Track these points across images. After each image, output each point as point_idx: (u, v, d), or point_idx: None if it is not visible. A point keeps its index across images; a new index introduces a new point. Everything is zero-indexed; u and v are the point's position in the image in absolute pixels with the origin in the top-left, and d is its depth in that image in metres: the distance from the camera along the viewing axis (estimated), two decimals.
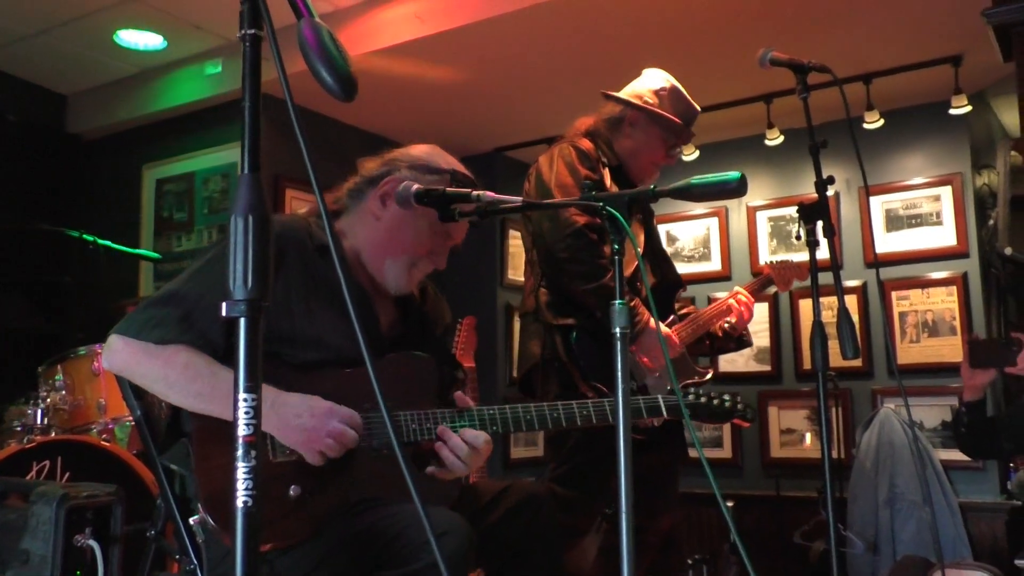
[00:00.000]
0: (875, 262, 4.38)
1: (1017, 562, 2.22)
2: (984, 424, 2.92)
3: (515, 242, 5.15)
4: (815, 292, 2.04)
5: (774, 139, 4.39)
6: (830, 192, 2.06)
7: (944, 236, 4.30)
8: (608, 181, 2.67)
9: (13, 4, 3.83)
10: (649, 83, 2.79)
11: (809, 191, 2.10)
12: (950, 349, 4.15)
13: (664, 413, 2.01)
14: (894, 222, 4.43)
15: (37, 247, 4.36)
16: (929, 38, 3.76)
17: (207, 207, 4.47)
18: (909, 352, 4.28)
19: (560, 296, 2.63)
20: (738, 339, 2.94)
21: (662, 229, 4.97)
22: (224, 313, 0.93)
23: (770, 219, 4.77)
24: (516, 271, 5.10)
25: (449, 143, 5.62)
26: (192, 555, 1.67)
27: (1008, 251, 4.35)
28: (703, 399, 2.07)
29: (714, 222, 4.92)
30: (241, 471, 0.90)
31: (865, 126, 4.16)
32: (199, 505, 1.59)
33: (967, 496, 3.89)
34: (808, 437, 4.51)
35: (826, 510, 1.93)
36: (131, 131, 4.73)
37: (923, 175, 4.39)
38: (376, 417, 1.71)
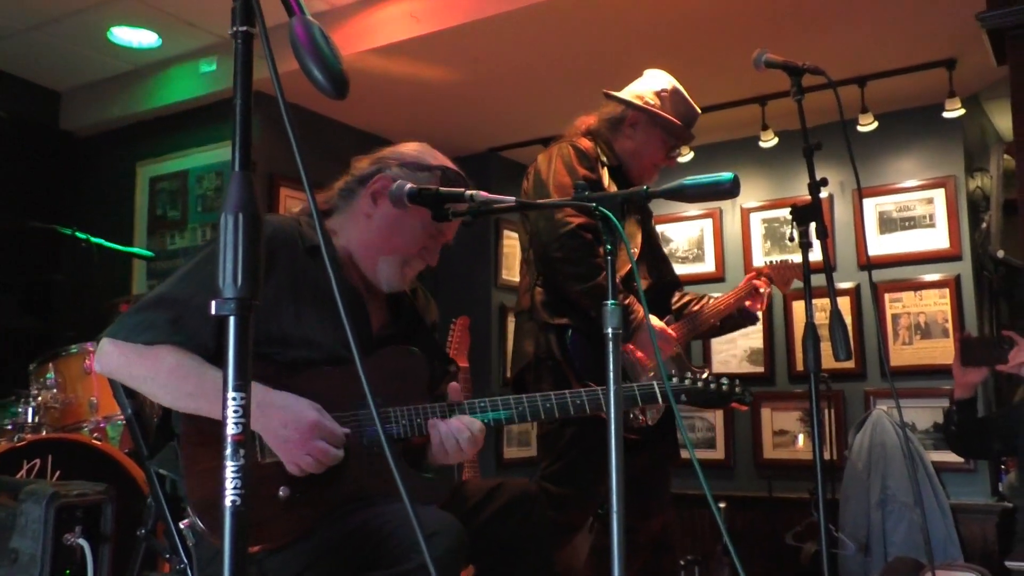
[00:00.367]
0: (868, 264, 4.39)
1: (1007, 563, 2.22)
2: (975, 423, 2.93)
3: (509, 243, 5.15)
4: (808, 294, 2.04)
5: (768, 141, 4.40)
6: (824, 194, 2.06)
7: (937, 239, 4.30)
8: (607, 181, 2.67)
9: (5, 0, 3.82)
10: (651, 84, 2.78)
11: (803, 193, 2.10)
12: (942, 351, 4.16)
13: (659, 399, 1.97)
14: (887, 224, 4.44)
15: (29, 245, 4.35)
16: (923, 41, 3.77)
17: (201, 205, 4.46)
18: (902, 354, 4.29)
19: (555, 296, 2.63)
20: (747, 315, 2.94)
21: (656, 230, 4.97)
22: (213, 311, 0.93)
23: (764, 221, 4.77)
24: (510, 272, 5.10)
25: (444, 143, 5.63)
26: (182, 554, 1.67)
27: (1001, 254, 4.36)
28: (699, 383, 2.01)
29: (708, 223, 4.93)
30: (229, 470, 0.90)
31: (859, 128, 4.17)
32: (188, 508, 1.59)
33: (958, 498, 3.90)
34: (801, 438, 4.51)
35: (818, 511, 1.93)
36: (125, 128, 4.71)
37: (917, 178, 4.40)
38: (366, 415, 1.71)
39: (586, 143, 2.71)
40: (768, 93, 4.21)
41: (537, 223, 2.60)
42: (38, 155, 4.70)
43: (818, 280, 2.05)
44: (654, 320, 2.63)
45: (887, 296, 4.36)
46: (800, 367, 4.47)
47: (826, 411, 4.25)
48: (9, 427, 2.87)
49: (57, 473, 2.69)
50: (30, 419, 2.88)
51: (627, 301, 2.52)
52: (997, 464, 4.05)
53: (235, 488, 0.89)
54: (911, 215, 4.39)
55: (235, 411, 0.91)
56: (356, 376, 1.71)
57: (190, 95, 4.34)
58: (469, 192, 1.65)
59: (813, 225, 2.06)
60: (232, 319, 0.92)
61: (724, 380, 2.03)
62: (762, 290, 2.88)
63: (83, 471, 2.70)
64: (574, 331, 2.59)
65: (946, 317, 4.22)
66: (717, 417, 4.75)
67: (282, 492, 1.61)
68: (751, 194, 4.80)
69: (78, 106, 4.77)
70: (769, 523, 4.18)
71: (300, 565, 1.60)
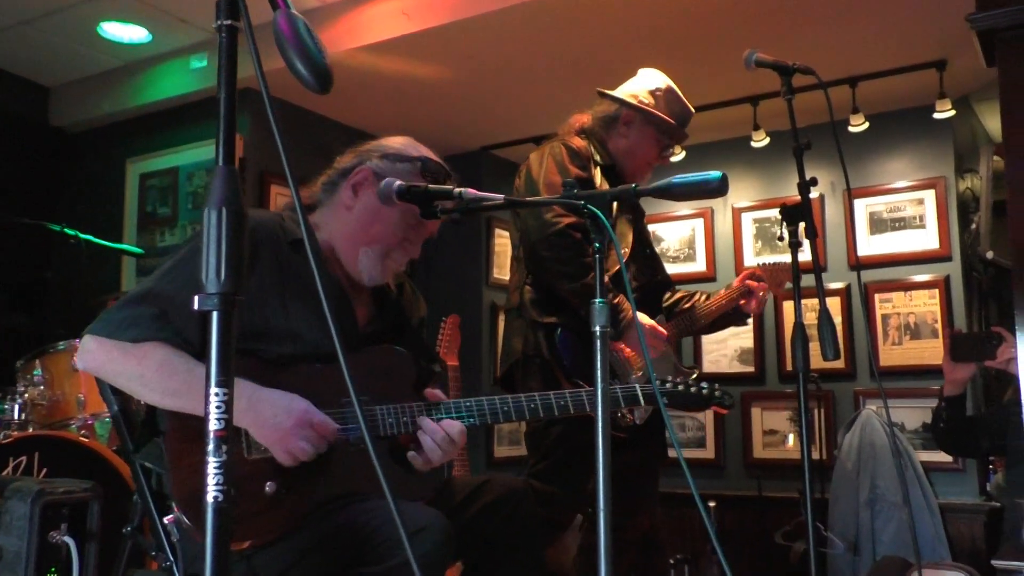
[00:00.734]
0: (858, 265, 4.40)
1: (994, 562, 2.23)
2: (963, 421, 2.94)
3: (500, 241, 5.15)
4: (797, 293, 2.05)
5: (760, 141, 4.40)
6: (814, 194, 2.07)
7: (927, 239, 4.32)
8: (599, 180, 2.67)
9: None
10: (645, 83, 2.78)
11: (794, 193, 2.10)
12: (932, 351, 4.18)
13: (641, 401, 2.00)
14: (878, 225, 4.45)
15: (18, 242, 4.32)
16: (914, 42, 3.79)
17: (191, 202, 4.44)
18: (891, 354, 4.30)
19: (544, 294, 2.63)
20: (740, 314, 2.95)
21: (648, 230, 4.98)
22: (196, 307, 0.92)
23: (755, 221, 4.78)
24: (501, 270, 5.10)
25: (436, 141, 5.60)
26: (169, 552, 1.66)
27: (990, 255, 4.38)
28: (680, 387, 2.06)
29: (699, 223, 4.94)
30: (212, 466, 0.89)
31: (850, 129, 4.18)
32: (173, 504, 1.58)
33: (947, 497, 3.91)
34: (791, 438, 4.52)
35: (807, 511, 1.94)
36: (115, 125, 4.69)
37: (907, 179, 4.41)
38: (352, 412, 1.71)
39: (579, 142, 2.71)
40: (760, 93, 4.22)
41: (527, 221, 2.60)
42: (27, 151, 4.67)
43: (808, 280, 2.05)
44: (645, 318, 2.63)
45: (877, 296, 4.38)
46: (790, 367, 4.47)
47: (816, 411, 4.26)
48: None
49: (44, 471, 2.67)
50: (17, 416, 2.86)
51: (616, 300, 2.52)
52: (985, 464, 4.07)
53: (217, 484, 0.89)
54: (901, 216, 4.40)
55: (218, 407, 0.91)
56: (342, 373, 1.71)
57: (181, 91, 4.33)
58: (458, 190, 1.65)
59: (802, 225, 2.06)
60: (215, 314, 0.92)
61: (705, 385, 2.07)
62: (761, 294, 2.88)
63: (70, 468, 2.68)
64: (563, 329, 2.59)
65: (935, 317, 4.24)
66: (707, 417, 4.76)
67: (269, 488, 1.61)
68: (742, 194, 4.81)
69: (68, 102, 4.75)
70: (759, 522, 4.19)
71: (288, 561, 1.60)
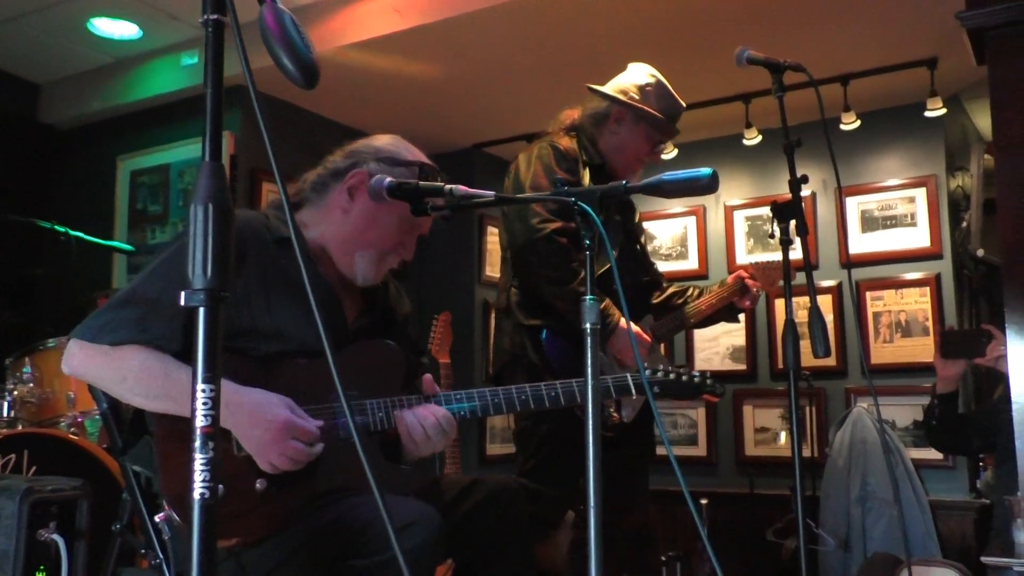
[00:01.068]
0: (849, 262, 4.41)
1: (983, 559, 2.24)
2: (955, 419, 2.95)
3: (493, 239, 5.14)
4: (788, 291, 2.05)
5: (752, 139, 4.41)
6: (806, 192, 2.07)
7: (918, 237, 4.33)
8: (587, 181, 2.67)
9: None
10: (634, 78, 2.77)
11: (786, 191, 2.10)
12: (923, 349, 4.19)
13: (632, 391, 2.02)
14: (869, 223, 4.46)
15: (8, 238, 4.29)
16: (905, 41, 3.79)
17: (182, 199, 4.42)
18: (882, 352, 4.32)
19: (529, 297, 2.65)
20: (733, 311, 2.96)
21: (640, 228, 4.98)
22: (182, 302, 0.92)
23: (747, 218, 4.79)
24: (494, 268, 5.10)
25: (428, 138, 5.62)
26: (158, 549, 1.65)
27: (980, 253, 4.40)
28: (671, 376, 2.08)
29: (691, 221, 4.94)
30: (198, 463, 0.89)
31: (842, 127, 4.18)
32: (163, 503, 1.58)
33: (937, 494, 3.93)
34: (782, 436, 4.54)
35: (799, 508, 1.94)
36: (105, 122, 4.67)
37: (898, 177, 4.42)
38: (342, 407, 1.71)
39: (567, 142, 2.71)
40: (752, 91, 4.22)
41: (512, 226, 2.61)
42: (17, 148, 4.64)
43: (800, 278, 2.05)
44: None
45: (868, 294, 4.39)
46: (782, 365, 4.48)
47: (807, 408, 4.27)
48: None
49: (33, 468, 2.66)
50: (5, 413, 2.85)
51: (603, 305, 2.53)
52: (975, 461, 4.09)
53: (204, 481, 0.88)
54: (893, 214, 4.41)
55: (204, 403, 0.91)
56: (330, 369, 1.71)
57: (171, 88, 4.31)
58: (448, 187, 1.65)
59: (793, 222, 2.07)
60: (201, 310, 0.91)
61: (696, 373, 2.11)
62: (755, 290, 2.89)
63: (60, 466, 2.66)
64: (549, 331, 2.60)
65: (927, 315, 4.25)
66: (699, 414, 4.77)
67: (259, 485, 1.61)
68: (734, 192, 4.82)
69: (58, 98, 4.73)
70: (751, 520, 4.20)
71: (279, 557, 1.60)
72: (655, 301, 2.93)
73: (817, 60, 3.30)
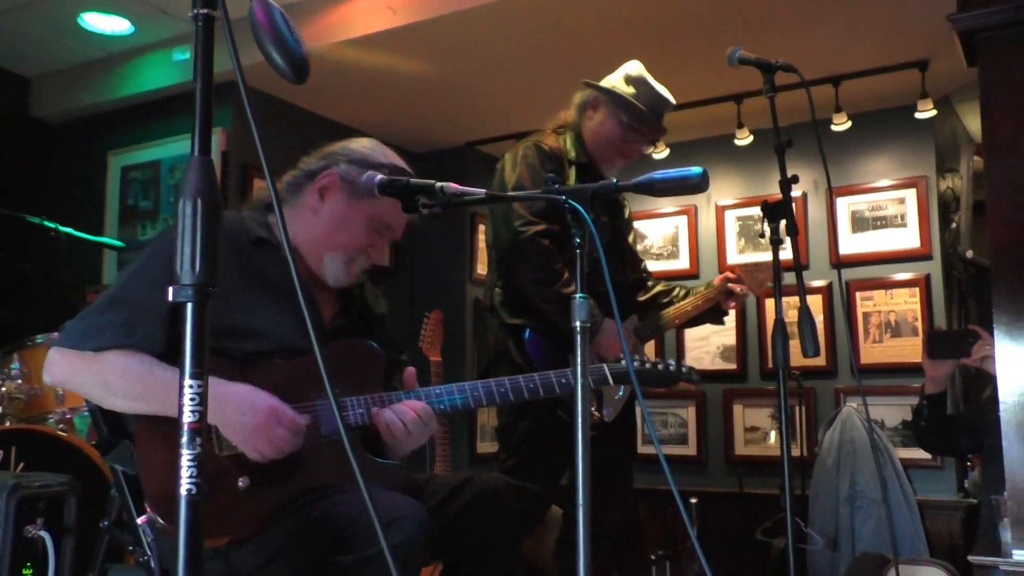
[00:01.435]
0: (839, 263, 4.42)
1: (970, 558, 2.25)
2: (943, 419, 2.96)
3: (484, 237, 5.13)
4: (778, 290, 2.06)
5: (744, 139, 4.42)
6: (797, 192, 2.08)
7: (908, 238, 4.35)
8: (573, 180, 2.69)
9: None
10: (622, 72, 2.81)
11: (777, 191, 2.11)
12: (912, 349, 4.21)
13: (610, 380, 2.05)
14: (859, 223, 4.48)
15: None
16: (896, 42, 3.81)
17: (173, 195, 4.41)
18: (872, 352, 4.33)
19: (513, 297, 2.68)
20: (718, 313, 2.97)
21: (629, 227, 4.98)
22: (170, 298, 0.91)
23: (738, 218, 4.79)
24: (485, 266, 5.06)
25: (421, 136, 5.61)
26: (146, 547, 1.65)
27: (970, 254, 4.42)
28: (648, 365, 2.14)
29: (683, 220, 4.95)
30: (185, 458, 0.88)
31: (833, 128, 4.20)
32: (146, 503, 1.57)
33: (925, 494, 3.94)
34: (772, 435, 4.55)
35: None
36: (96, 116, 4.65)
37: (889, 178, 4.44)
38: (323, 405, 1.72)
39: (552, 141, 2.74)
40: (744, 91, 4.23)
41: (497, 227, 2.65)
42: (7, 142, 4.62)
43: (790, 277, 2.06)
44: (610, 323, 2.64)
45: (858, 294, 4.40)
46: (772, 364, 4.50)
47: (797, 408, 4.29)
48: None
49: (21, 464, 2.65)
50: None
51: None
52: (963, 461, 4.10)
53: (191, 477, 0.88)
54: (883, 214, 4.43)
55: (191, 399, 0.90)
56: (310, 367, 1.72)
57: (163, 84, 4.29)
58: (439, 184, 1.65)
59: (784, 222, 2.07)
60: (189, 305, 0.91)
61: (671, 362, 2.18)
62: (738, 291, 2.90)
63: (48, 463, 2.65)
64: (531, 330, 2.62)
65: (916, 316, 4.27)
66: (689, 414, 4.77)
67: (242, 483, 1.60)
68: (726, 191, 4.82)
69: (49, 93, 4.70)
70: (740, 519, 4.21)
71: (266, 556, 1.60)
72: (641, 299, 2.95)
73: (808, 61, 3.31)
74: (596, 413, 2.58)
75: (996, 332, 2.15)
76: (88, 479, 2.30)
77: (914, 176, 4.37)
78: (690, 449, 4.75)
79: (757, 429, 4.60)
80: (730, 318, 4.62)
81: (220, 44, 0.97)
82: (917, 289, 4.28)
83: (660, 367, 2.16)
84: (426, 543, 1.58)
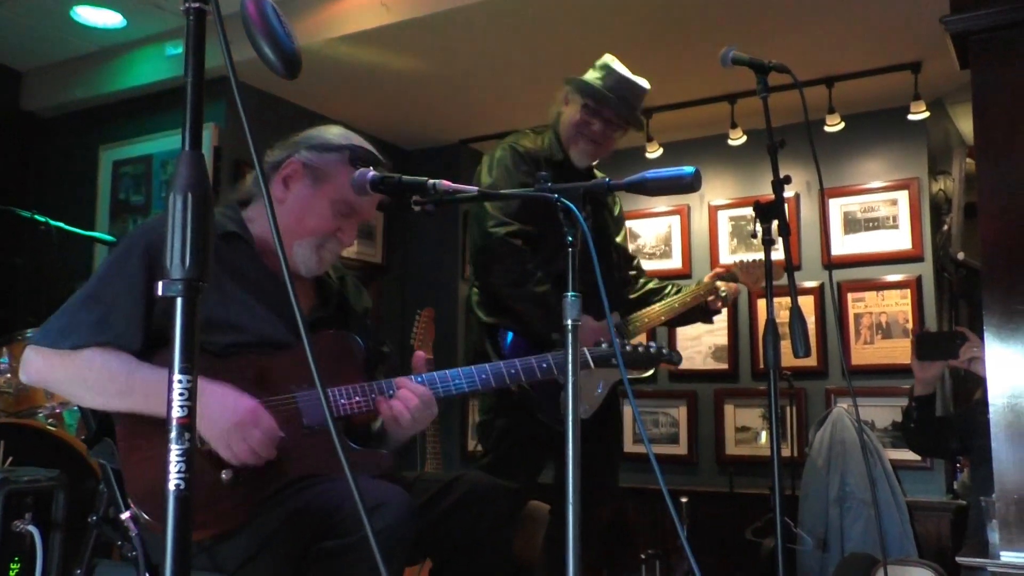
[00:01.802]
0: (831, 264, 4.43)
1: (958, 559, 2.26)
2: (933, 421, 2.97)
3: None
4: (769, 291, 2.06)
5: (737, 139, 4.42)
6: (789, 193, 2.08)
7: (900, 240, 4.36)
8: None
9: None
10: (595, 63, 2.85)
11: (770, 191, 2.12)
12: (903, 351, 4.22)
13: (591, 364, 2.09)
14: (852, 225, 4.49)
15: None
16: (890, 44, 3.82)
17: (165, 190, 4.39)
18: (863, 353, 4.34)
19: (489, 296, 2.72)
20: (706, 311, 2.97)
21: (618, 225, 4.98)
22: (160, 292, 0.91)
23: (731, 218, 4.80)
24: None
25: (415, 133, 5.59)
26: (135, 542, 1.64)
27: (961, 256, 4.43)
28: (628, 348, 2.20)
29: (676, 220, 4.95)
30: (174, 453, 0.88)
31: (826, 129, 4.21)
32: (129, 500, 1.57)
33: (915, 495, 3.96)
34: (763, 435, 4.56)
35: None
36: (88, 111, 4.63)
37: (881, 179, 4.45)
38: (303, 396, 1.72)
39: (528, 143, 2.76)
40: (737, 91, 4.23)
41: (471, 228, 2.68)
42: None
43: (782, 278, 2.06)
44: (591, 321, 2.64)
45: (850, 296, 4.42)
46: (763, 364, 4.50)
47: (788, 408, 4.29)
48: None
49: (9, 459, 2.63)
50: None
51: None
52: (953, 463, 4.12)
53: (179, 472, 0.88)
54: (875, 216, 4.44)
55: (181, 394, 0.90)
56: (288, 361, 1.72)
57: (155, 78, 4.28)
58: (432, 182, 1.65)
59: (776, 222, 2.07)
60: (179, 300, 0.91)
61: (652, 345, 2.26)
62: (723, 292, 2.91)
63: (37, 457, 2.64)
64: (506, 330, 2.67)
65: (907, 317, 4.29)
66: (681, 413, 4.78)
67: (224, 475, 1.60)
68: (719, 191, 4.83)
69: (40, 86, 4.68)
70: (730, 519, 4.22)
71: (251, 549, 1.59)
72: (631, 296, 2.96)
73: (802, 62, 3.32)
74: None
75: (986, 334, 2.15)
76: (76, 474, 2.29)
77: (906, 178, 4.38)
78: (681, 449, 4.75)
79: (748, 429, 4.61)
80: (722, 318, 4.66)
81: (212, 39, 0.96)
82: (908, 291, 4.29)
83: (640, 349, 2.21)
84: (410, 527, 1.58)
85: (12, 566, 1.84)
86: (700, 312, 2.95)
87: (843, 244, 4.48)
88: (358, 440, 1.82)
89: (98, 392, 1.62)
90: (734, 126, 4.38)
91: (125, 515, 1.59)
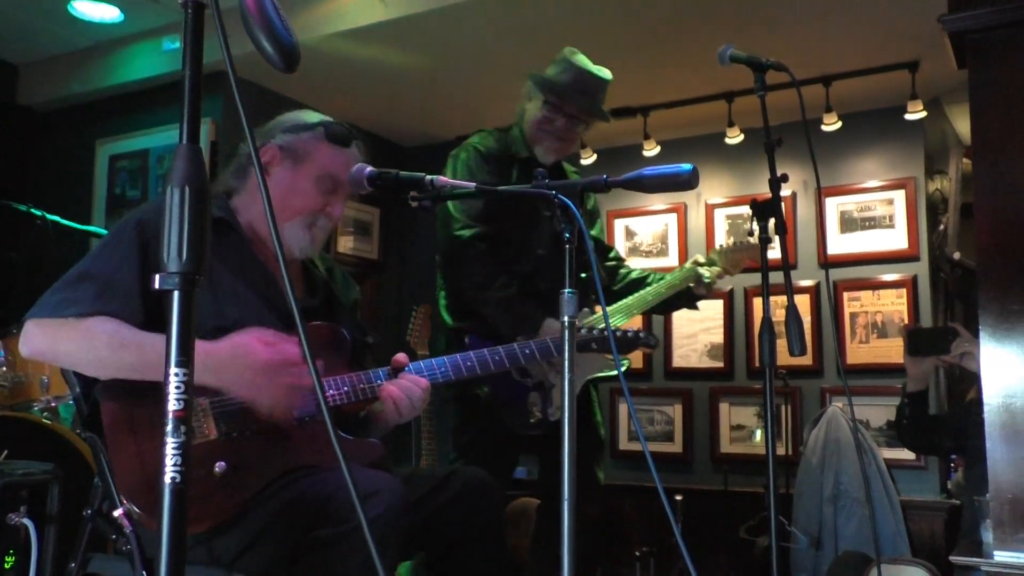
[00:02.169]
0: (827, 263, 4.44)
1: (952, 558, 2.27)
2: (926, 418, 2.98)
3: None
4: (765, 289, 2.06)
5: (734, 138, 4.43)
6: (786, 192, 2.09)
7: (896, 239, 4.37)
8: (515, 177, 2.72)
9: None
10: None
11: (767, 189, 2.12)
12: (898, 350, 4.22)
13: (555, 353, 2.14)
14: (848, 224, 4.49)
15: None
16: (887, 43, 3.82)
17: (162, 185, 4.39)
18: (858, 352, 4.35)
19: (455, 300, 2.71)
20: (690, 297, 2.98)
21: (620, 224, 4.99)
22: (156, 286, 0.91)
23: (728, 217, 4.81)
24: None
25: (413, 129, 5.58)
26: (130, 537, 1.64)
27: (957, 256, 4.44)
28: (595, 333, 2.23)
29: (672, 218, 4.95)
30: (170, 447, 0.88)
31: (823, 128, 4.21)
32: (121, 496, 1.56)
33: (909, 494, 3.97)
34: (758, 433, 4.56)
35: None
36: (85, 105, 4.62)
37: (878, 178, 4.46)
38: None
39: (491, 142, 2.76)
40: (735, 90, 4.24)
41: (439, 232, 2.67)
42: None
43: (778, 276, 2.07)
44: (554, 323, 2.65)
45: (846, 295, 4.42)
46: (758, 363, 4.51)
47: (783, 407, 4.30)
48: None
49: (5, 452, 2.63)
50: None
51: (533, 307, 2.57)
52: (947, 462, 4.13)
53: (175, 465, 0.88)
54: (872, 215, 4.45)
55: (177, 387, 0.90)
56: None
57: (153, 73, 4.27)
58: (429, 177, 1.65)
59: (772, 221, 2.08)
60: (176, 293, 0.91)
61: (630, 330, 2.32)
62: (706, 277, 2.92)
63: (33, 451, 2.64)
64: (473, 334, 2.64)
65: (903, 317, 4.29)
66: (676, 411, 4.79)
67: (218, 468, 1.60)
68: (715, 190, 4.83)
69: (37, 80, 4.67)
70: (725, 517, 4.23)
71: (247, 540, 1.60)
72: (615, 288, 2.96)
73: (800, 61, 3.32)
74: (538, 413, 2.58)
75: (982, 334, 2.16)
76: (72, 467, 2.29)
77: (903, 177, 4.39)
78: (676, 446, 4.76)
79: (743, 427, 4.62)
80: (718, 316, 4.66)
81: (210, 33, 0.96)
82: (904, 290, 4.30)
83: (618, 334, 2.26)
84: (403, 515, 1.58)
85: (7, 559, 1.84)
86: (685, 298, 2.96)
87: (839, 243, 4.48)
88: (345, 430, 1.84)
89: (106, 362, 1.59)
90: (731, 124, 4.38)
91: (118, 512, 1.58)
